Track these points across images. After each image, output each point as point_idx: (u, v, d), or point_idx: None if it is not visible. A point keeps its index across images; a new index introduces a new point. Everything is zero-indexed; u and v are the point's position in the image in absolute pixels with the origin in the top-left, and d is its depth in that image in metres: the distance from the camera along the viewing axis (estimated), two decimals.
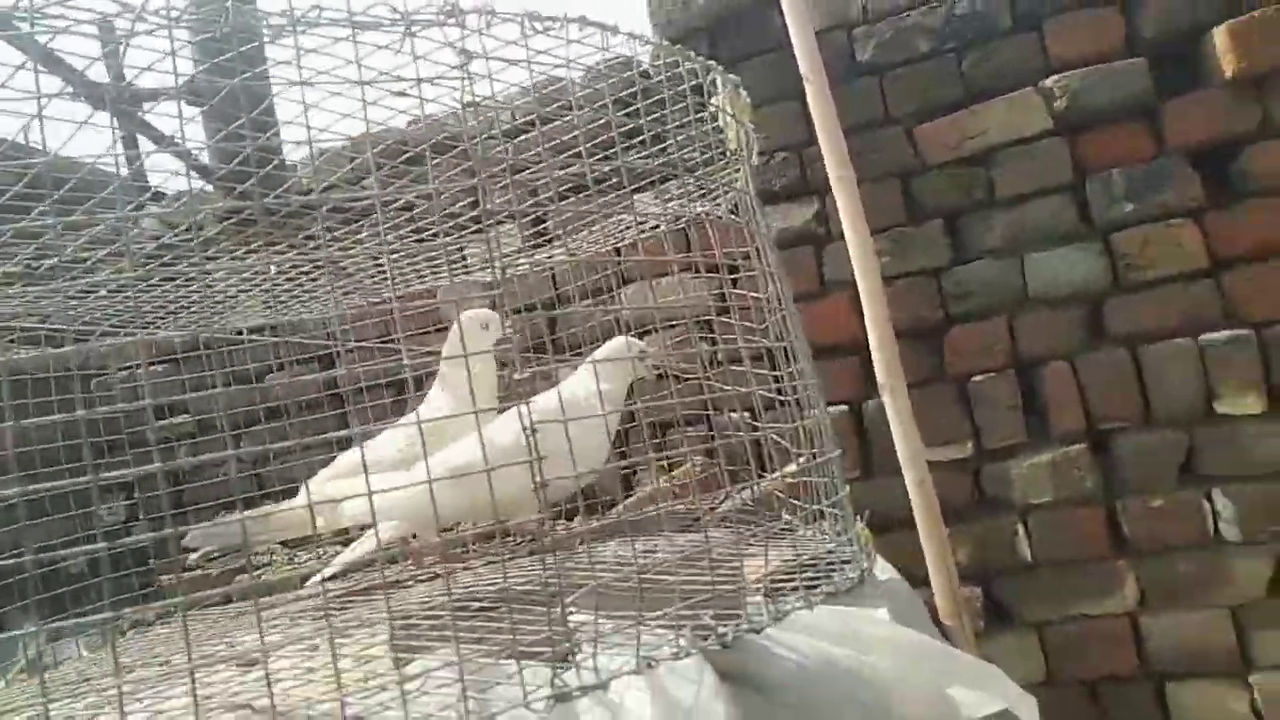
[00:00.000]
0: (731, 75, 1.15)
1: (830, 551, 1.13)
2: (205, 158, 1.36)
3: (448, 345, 1.71)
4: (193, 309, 1.79)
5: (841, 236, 1.84)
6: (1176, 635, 1.79)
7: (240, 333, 1.81)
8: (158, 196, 2.39)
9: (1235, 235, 1.76)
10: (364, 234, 1.60)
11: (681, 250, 1.72)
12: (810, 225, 2.02)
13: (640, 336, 2.11)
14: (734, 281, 1.67)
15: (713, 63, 1.11)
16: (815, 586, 0.94)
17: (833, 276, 2.00)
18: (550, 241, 1.90)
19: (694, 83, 1.06)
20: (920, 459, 1.80)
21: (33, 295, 1.52)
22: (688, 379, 1.93)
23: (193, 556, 2.01)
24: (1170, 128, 1.81)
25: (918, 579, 1.79)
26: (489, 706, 0.66)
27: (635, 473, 2.08)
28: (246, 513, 1.56)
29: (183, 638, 1.47)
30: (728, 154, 1.16)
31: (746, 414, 1.89)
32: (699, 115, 1.08)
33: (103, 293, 1.56)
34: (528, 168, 1.43)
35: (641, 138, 1.06)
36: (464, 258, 1.89)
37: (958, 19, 1.93)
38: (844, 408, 1.99)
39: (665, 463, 2.06)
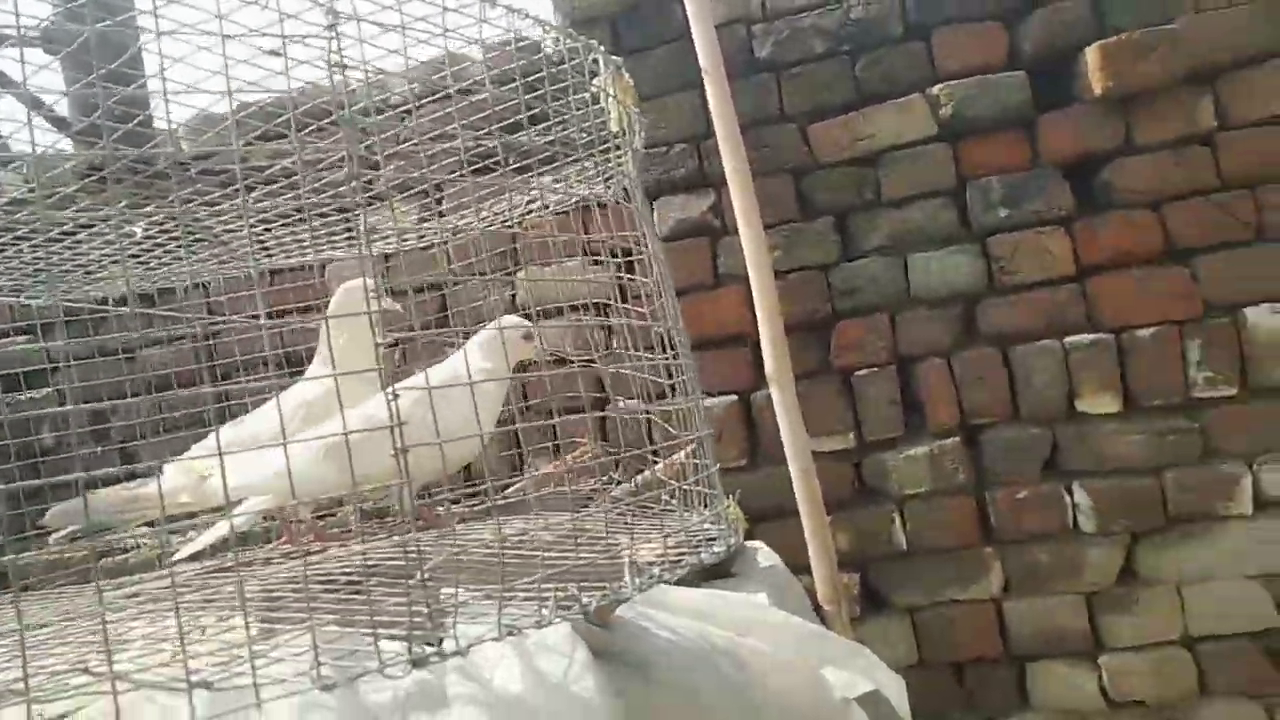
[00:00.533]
0: (614, 57, 1.15)
1: (702, 529, 1.15)
2: (64, 110, 1.29)
3: (329, 315, 1.67)
4: (57, 273, 1.69)
5: (736, 230, 1.88)
6: (1035, 619, 1.89)
7: (105, 301, 1.72)
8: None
9: (1098, 244, 1.88)
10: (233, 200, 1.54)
11: (576, 234, 1.72)
12: (706, 217, 2.05)
13: (537, 319, 2.10)
14: (629, 266, 1.68)
15: (594, 43, 1.11)
16: (680, 562, 0.96)
17: (726, 269, 2.03)
18: (443, 217, 1.87)
19: (574, 61, 1.06)
20: (805, 449, 1.85)
21: None
22: (585, 363, 1.94)
23: (54, 536, 1.90)
24: (1044, 139, 1.91)
25: (800, 566, 1.84)
26: (346, 674, 0.64)
27: (525, 458, 2.07)
28: (104, 490, 1.48)
29: (41, 610, 1.39)
30: (610, 137, 1.16)
31: (638, 400, 1.91)
32: (580, 95, 1.08)
33: None
34: (411, 140, 1.40)
35: (529, 114, 1.05)
36: (349, 231, 1.84)
37: (852, 23, 1.99)
38: (733, 398, 2.02)
39: (556, 446, 2.06)
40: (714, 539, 1.08)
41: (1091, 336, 1.86)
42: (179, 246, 1.41)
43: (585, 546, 0.93)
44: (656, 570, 0.87)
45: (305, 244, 1.82)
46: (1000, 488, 1.91)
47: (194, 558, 1.35)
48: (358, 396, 1.22)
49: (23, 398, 2.25)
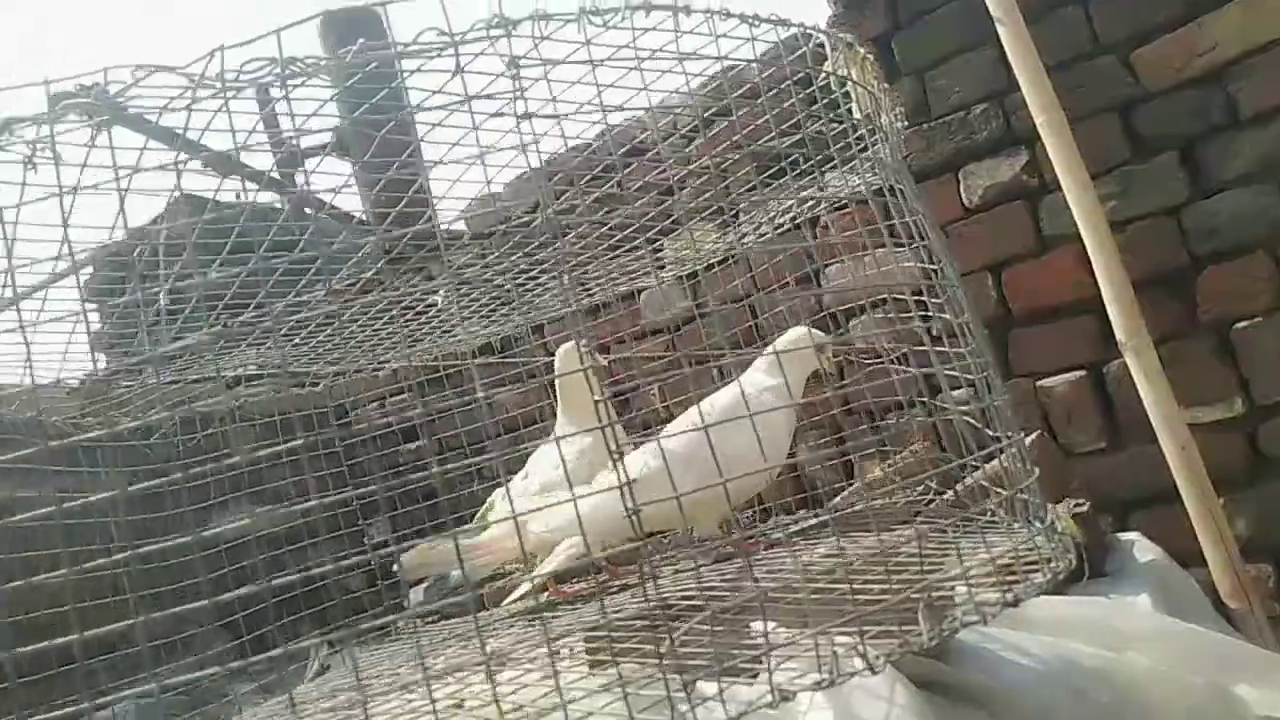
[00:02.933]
0: (843, 35, 1.05)
1: (1031, 547, 1.01)
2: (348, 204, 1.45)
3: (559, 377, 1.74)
4: (413, 339, 1.91)
5: (1058, 185, 1.68)
6: None
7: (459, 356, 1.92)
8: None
9: None
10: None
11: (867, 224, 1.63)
12: (1021, 178, 1.85)
13: (845, 319, 2.03)
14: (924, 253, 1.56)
15: (819, 26, 1.02)
16: (1015, 583, 0.84)
17: (1053, 230, 1.82)
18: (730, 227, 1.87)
19: (797, 53, 0.98)
20: (1178, 422, 1.61)
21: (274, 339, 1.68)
22: (900, 358, 1.83)
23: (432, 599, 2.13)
24: None
25: (1192, 559, 1.59)
26: None
27: (852, 462, 2.00)
28: (449, 535, 1.63)
29: (418, 649, 1.57)
30: (858, 125, 1.07)
31: (961, 391, 1.77)
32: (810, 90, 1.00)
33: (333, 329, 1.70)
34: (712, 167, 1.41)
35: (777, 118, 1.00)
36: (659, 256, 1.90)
37: None
38: (1080, 373, 1.80)
39: (883, 451, 1.97)
40: (1047, 560, 0.94)
41: None
42: (474, 310, 1.54)
43: (894, 575, 0.85)
44: (960, 613, 0.77)
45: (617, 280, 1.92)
46: None
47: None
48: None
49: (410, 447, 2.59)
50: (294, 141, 0.87)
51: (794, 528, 1.44)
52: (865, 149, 1.15)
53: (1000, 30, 1.70)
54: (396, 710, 1.01)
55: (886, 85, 1.12)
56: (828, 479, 2.00)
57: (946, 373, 1.11)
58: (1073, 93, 1.74)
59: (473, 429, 2.23)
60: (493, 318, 1.70)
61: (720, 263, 1.92)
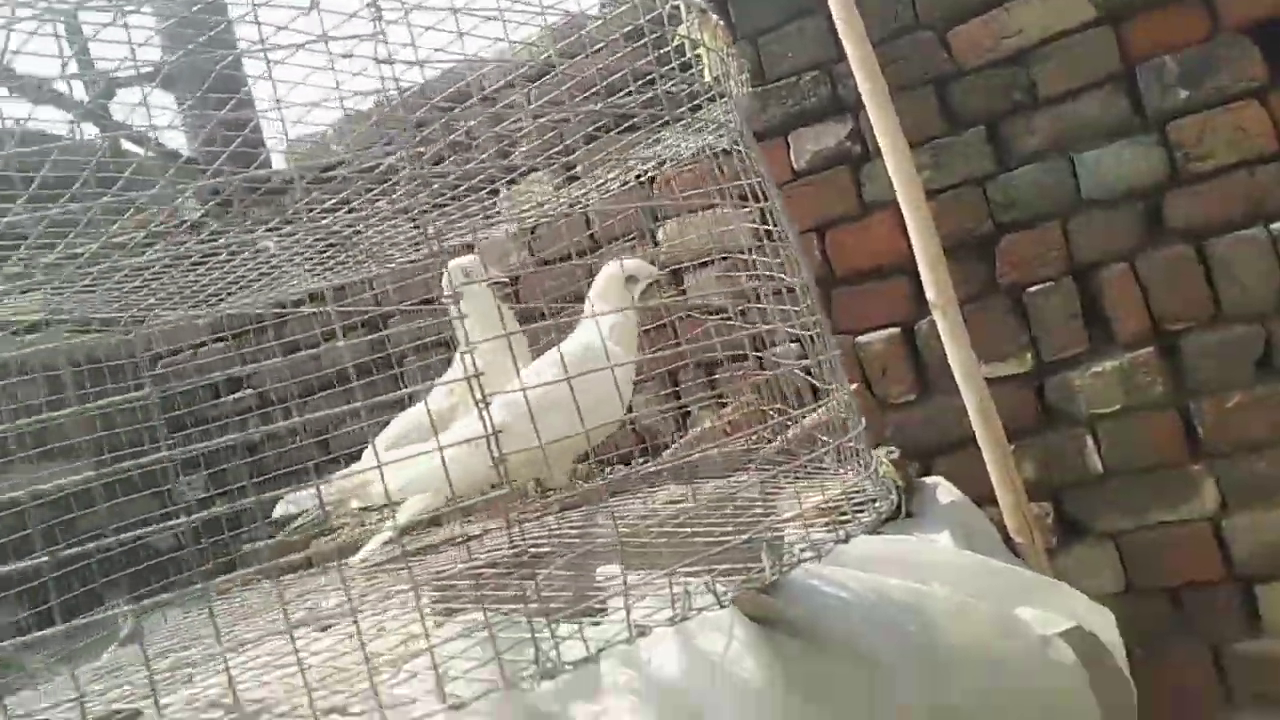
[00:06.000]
0: (696, 0, 1.08)
1: (860, 489, 1.10)
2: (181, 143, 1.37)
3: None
4: (239, 284, 1.81)
5: (879, 153, 1.78)
6: (1262, 537, 1.72)
7: (284, 305, 1.83)
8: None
9: None
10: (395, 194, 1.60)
11: (709, 183, 1.68)
12: (845, 145, 1.95)
13: (677, 274, 2.08)
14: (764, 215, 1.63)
15: None
16: (845, 523, 0.91)
17: (873, 196, 1.93)
18: (575, 181, 1.88)
19: (653, 13, 1.01)
20: (977, 376, 1.76)
21: (81, 283, 1.55)
22: (738, 314, 1.90)
23: (287, 528, 2.07)
24: (1224, 3, 1.68)
25: (985, 499, 1.75)
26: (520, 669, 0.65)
27: (689, 412, 2.07)
28: (329, 478, 1.60)
29: (264, 605, 1.52)
30: (708, 87, 1.10)
31: (792, 346, 1.86)
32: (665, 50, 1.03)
33: (148, 275, 1.59)
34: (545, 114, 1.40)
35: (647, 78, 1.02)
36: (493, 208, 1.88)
37: None
38: (895, 330, 1.93)
39: (718, 399, 2.05)
40: (872, 500, 1.03)
41: None
42: (307, 257, 1.48)
43: (735, 518, 0.91)
44: (798, 550, 0.84)
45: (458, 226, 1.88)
46: (1206, 397, 1.73)
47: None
48: (508, 372, 1.25)
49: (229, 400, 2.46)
50: (112, 73, 0.81)
51: (638, 475, 1.49)
52: (706, 110, 1.18)
53: (830, 2, 1.77)
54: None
55: (734, 51, 1.16)
56: (663, 430, 2.07)
57: (785, 329, 1.17)
58: (894, 65, 1.84)
59: (302, 381, 2.16)
60: (326, 265, 1.63)
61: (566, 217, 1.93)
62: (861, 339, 1.97)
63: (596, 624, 0.74)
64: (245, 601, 1.72)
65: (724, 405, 1.82)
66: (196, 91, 0.82)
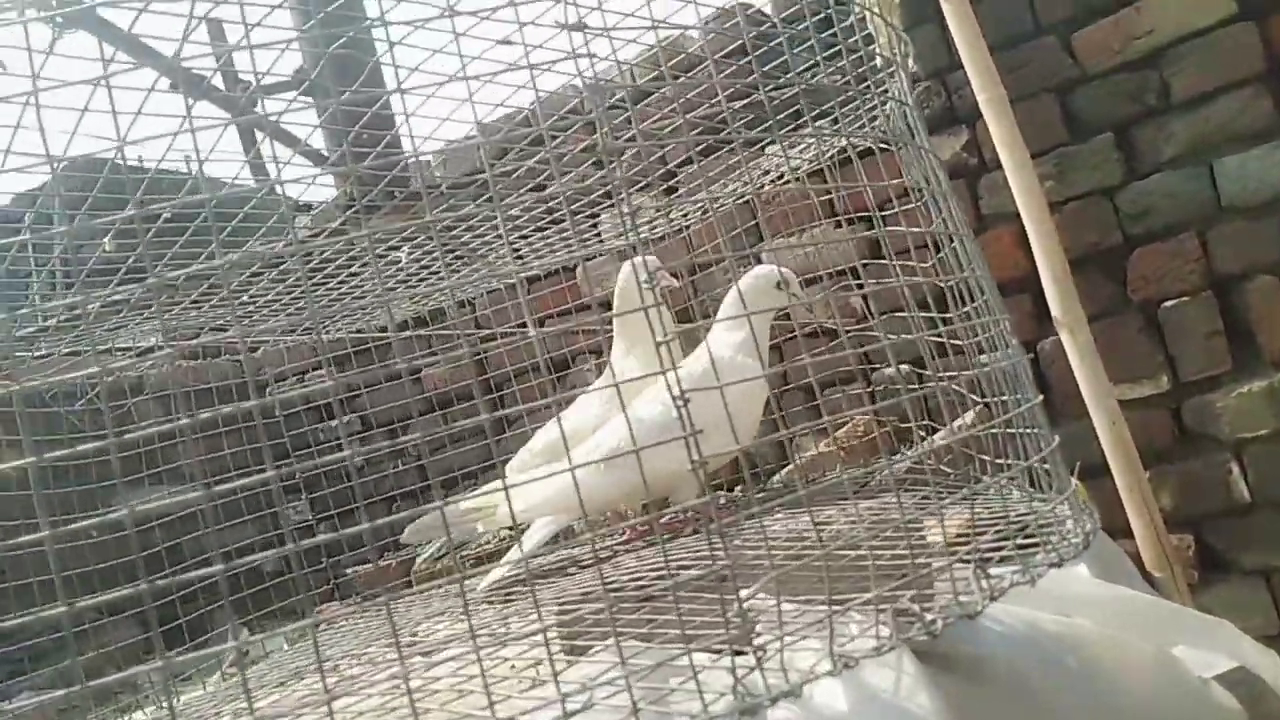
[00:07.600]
0: None
1: (1034, 513, 1.01)
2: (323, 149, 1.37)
3: (618, 300, 1.69)
4: (344, 312, 1.83)
5: (998, 165, 1.70)
6: None
7: (384, 329, 1.84)
8: (305, 207, 2.46)
9: None
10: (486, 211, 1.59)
11: (820, 195, 1.62)
12: (961, 157, 1.87)
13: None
14: (884, 221, 1.56)
15: None
16: (1032, 552, 0.83)
17: (992, 210, 1.85)
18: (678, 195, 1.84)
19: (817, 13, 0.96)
20: (1109, 398, 1.65)
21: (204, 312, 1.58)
22: (846, 333, 1.83)
23: (423, 555, 2.06)
24: None
25: (1118, 530, 1.64)
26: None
27: (792, 439, 1.99)
28: (451, 500, 1.58)
29: (370, 629, 1.50)
30: (878, 67, 1.04)
31: (908, 366, 1.78)
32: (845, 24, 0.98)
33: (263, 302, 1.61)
34: (654, 135, 1.37)
35: (779, 80, 0.97)
36: (596, 229, 1.86)
37: None
38: None
39: (826, 426, 1.97)
40: (1063, 523, 0.93)
41: None
42: (442, 265, 1.47)
43: (892, 540, 0.84)
44: (1006, 572, 0.76)
45: (555, 248, 1.86)
46: None
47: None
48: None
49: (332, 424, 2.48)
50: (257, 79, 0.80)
51: (769, 499, 1.42)
52: (878, 92, 1.11)
53: (945, 8, 1.70)
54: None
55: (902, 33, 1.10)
56: (767, 456, 2.00)
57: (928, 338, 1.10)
58: (1013, 73, 1.76)
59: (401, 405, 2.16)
60: (432, 283, 1.63)
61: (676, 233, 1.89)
62: (982, 358, 1.87)
63: (740, 653, 0.68)
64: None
65: (840, 427, 1.74)
66: (339, 91, 0.80)
